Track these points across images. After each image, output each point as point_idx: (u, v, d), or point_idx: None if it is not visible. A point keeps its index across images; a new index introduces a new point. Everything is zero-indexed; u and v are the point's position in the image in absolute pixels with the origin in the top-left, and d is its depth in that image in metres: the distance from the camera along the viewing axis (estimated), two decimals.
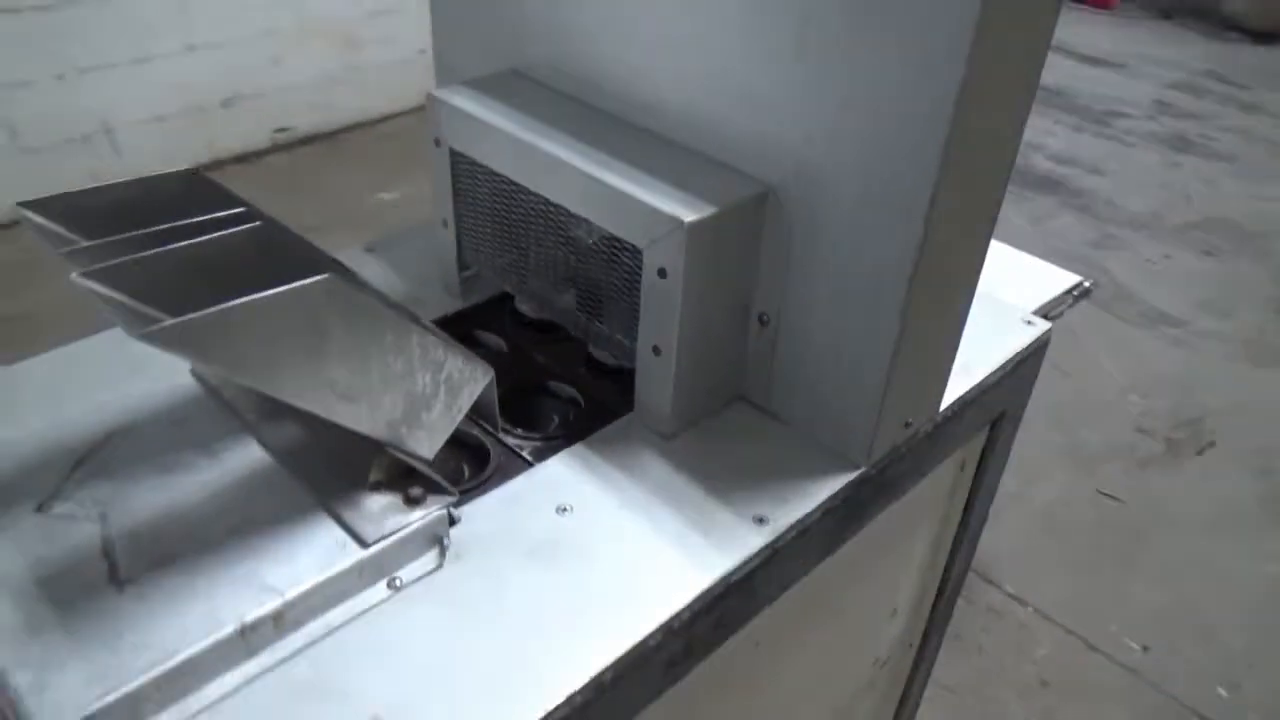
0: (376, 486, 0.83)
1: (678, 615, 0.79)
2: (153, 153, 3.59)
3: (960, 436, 1.11)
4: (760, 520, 0.88)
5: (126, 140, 3.56)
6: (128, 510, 0.81)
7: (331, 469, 0.85)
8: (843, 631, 1.21)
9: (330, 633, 0.76)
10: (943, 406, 1.02)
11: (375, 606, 0.78)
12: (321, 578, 0.76)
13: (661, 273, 0.88)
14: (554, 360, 1.11)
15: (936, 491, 1.22)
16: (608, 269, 0.97)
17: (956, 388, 1.04)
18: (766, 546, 0.86)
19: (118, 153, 3.55)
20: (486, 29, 1.13)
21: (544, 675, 0.73)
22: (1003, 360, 1.11)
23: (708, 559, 0.84)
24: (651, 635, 0.78)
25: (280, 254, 0.80)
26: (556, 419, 1.05)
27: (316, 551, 0.78)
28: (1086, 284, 1.33)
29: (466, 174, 1.07)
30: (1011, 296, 1.22)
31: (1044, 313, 1.23)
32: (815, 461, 0.94)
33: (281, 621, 0.74)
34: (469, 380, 0.85)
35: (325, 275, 0.70)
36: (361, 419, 0.78)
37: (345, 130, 4.18)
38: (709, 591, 0.82)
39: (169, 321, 0.63)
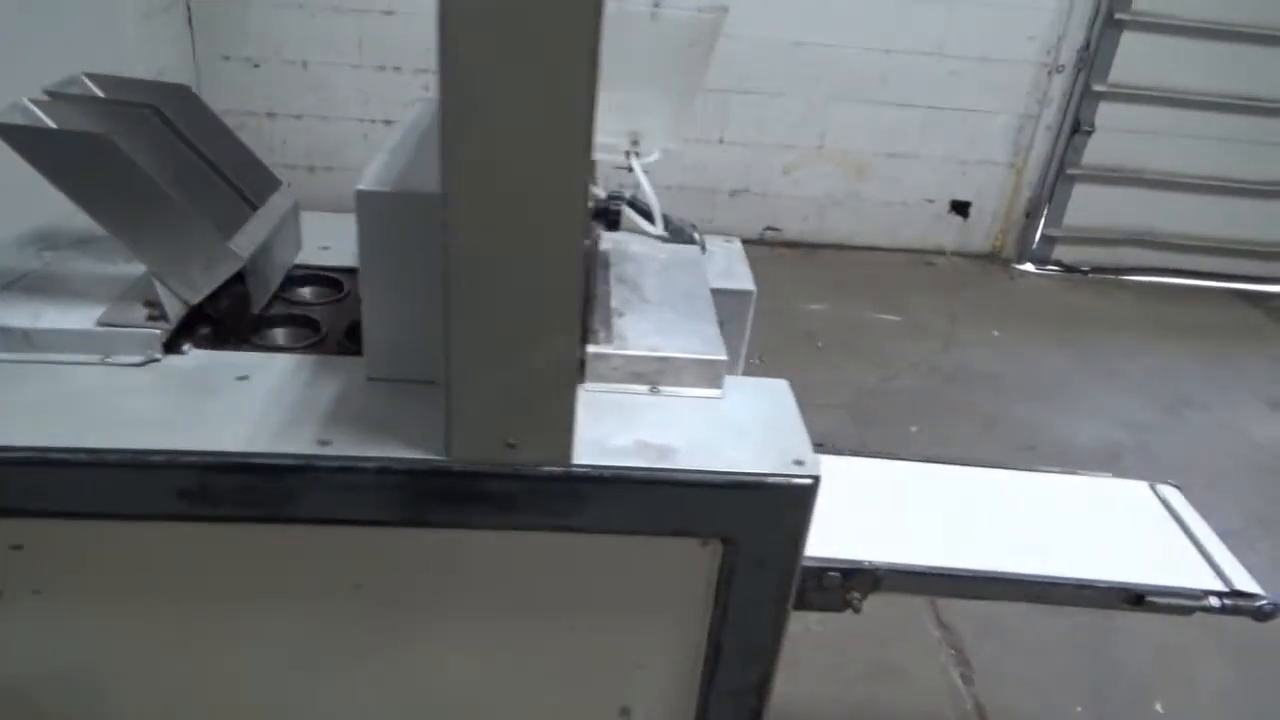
0: (150, 304, 1.19)
1: (217, 455, 1.02)
2: (666, 200, 4.34)
3: (696, 517, 1.07)
4: (324, 442, 1.04)
5: None
6: None
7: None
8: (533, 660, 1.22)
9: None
10: (588, 460, 1.04)
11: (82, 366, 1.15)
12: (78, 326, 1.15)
13: None
14: None
15: (656, 584, 1.16)
16: None
17: (637, 458, 1.05)
18: (318, 456, 1.03)
19: None
20: None
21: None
22: (722, 467, 1.06)
23: (282, 436, 1.04)
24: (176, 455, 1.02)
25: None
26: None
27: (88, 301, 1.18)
28: None
29: None
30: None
31: None
32: (415, 431, 1.06)
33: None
34: (222, 260, 1.17)
35: (102, 133, 1.09)
36: (137, 251, 1.16)
37: (825, 247, 4.53)
38: (241, 456, 1.02)
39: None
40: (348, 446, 1.05)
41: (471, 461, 1.04)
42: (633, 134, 1.16)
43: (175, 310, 1.18)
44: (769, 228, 4.51)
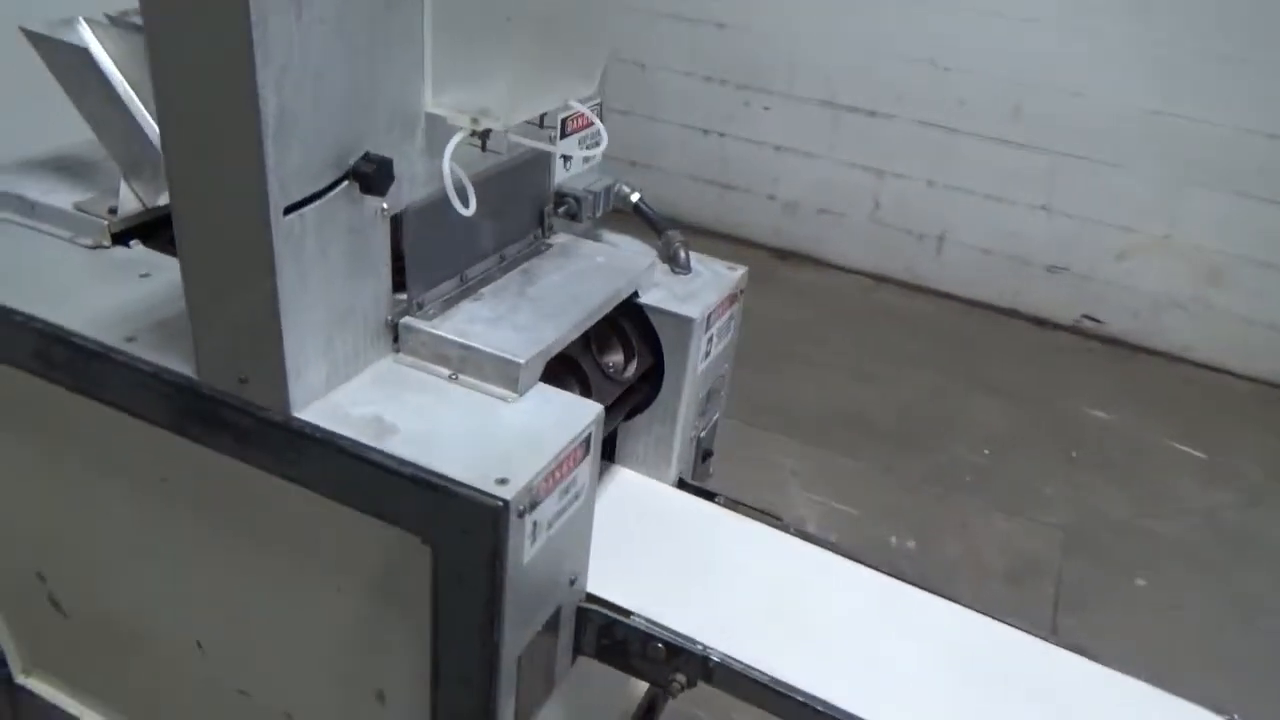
0: None
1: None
2: (967, 266, 3.99)
3: (401, 508, 1.03)
4: (130, 339, 1.15)
5: (951, 252, 4.04)
6: None
7: None
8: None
9: None
10: (311, 417, 1.04)
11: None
12: (60, 206, 1.38)
13: None
14: None
15: (386, 570, 1.11)
16: None
17: (355, 430, 1.03)
18: (115, 349, 1.13)
19: (938, 256, 4.06)
20: None
21: None
22: (421, 461, 0.99)
23: (104, 326, 1.17)
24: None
25: None
26: None
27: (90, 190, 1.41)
28: None
29: None
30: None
31: None
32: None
33: None
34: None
35: (82, 48, 1.29)
36: (111, 153, 1.36)
37: (1151, 353, 3.84)
38: (65, 332, 1.16)
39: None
40: (143, 348, 1.14)
41: (214, 388, 1.08)
42: (479, 110, 1.11)
43: (129, 207, 1.36)
44: (1087, 316, 3.93)
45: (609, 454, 1.50)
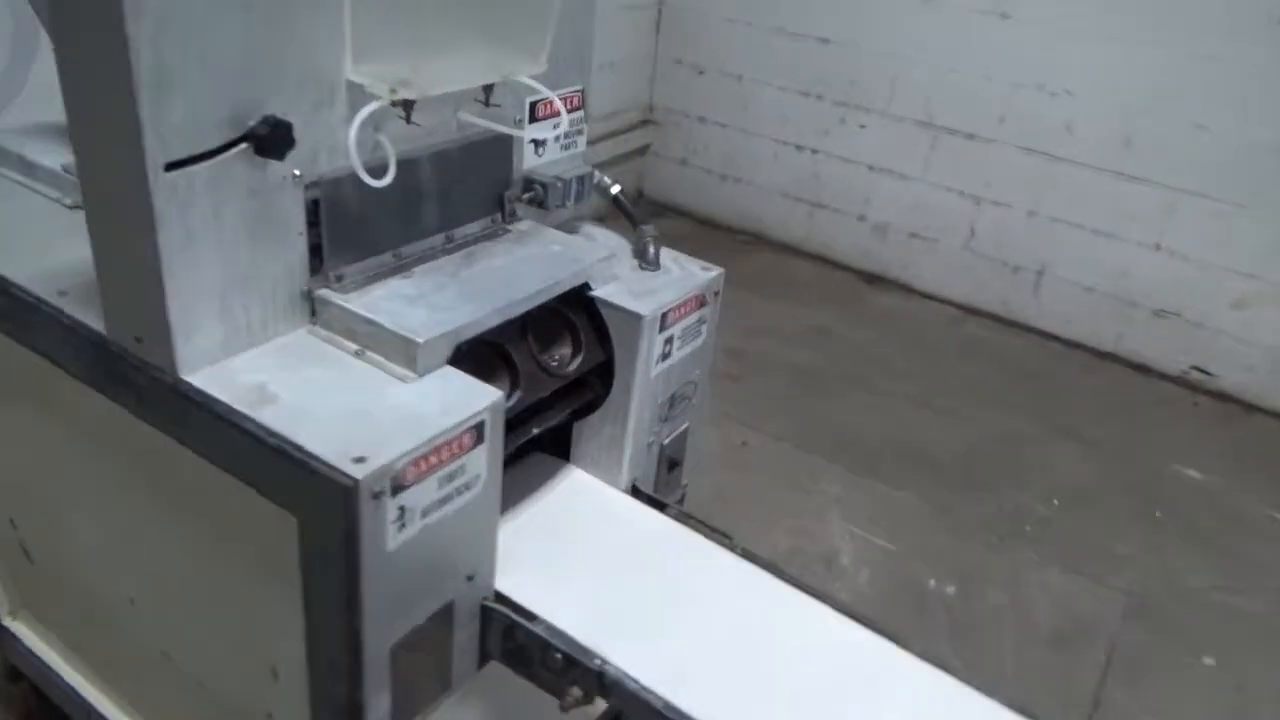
0: None
1: None
2: (1066, 304, 3.74)
3: (271, 480, 1.01)
4: (63, 293, 1.17)
5: (1050, 287, 3.79)
6: None
7: None
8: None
9: None
10: (199, 381, 1.03)
11: None
12: (53, 167, 1.43)
13: None
14: None
15: (269, 543, 1.08)
16: None
17: (234, 396, 1.01)
18: (44, 301, 1.16)
19: (1036, 291, 3.82)
20: None
21: None
22: (284, 432, 0.97)
23: (45, 279, 1.20)
24: None
25: None
26: None
27: None
28: None
29: None
30: None
31: None
32: None
33: None
34: None
35: None
36: None
37: (1267, 413, 3.50)
38: (11, 284, 1.20)
39: None
40: (70, 302, 1.16)
41: (119, 345, 1.09)
42: (399, 80, 1.07)
43: None
44: (1195, 367, 3.61)
45: (564, 453, 1.45)
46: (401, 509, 0.99)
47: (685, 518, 1.38)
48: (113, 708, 1.52)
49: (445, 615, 1.13)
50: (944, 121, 3.79)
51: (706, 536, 1.35)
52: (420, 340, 1.07)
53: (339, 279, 1.15)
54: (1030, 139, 3.63)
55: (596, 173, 1.46)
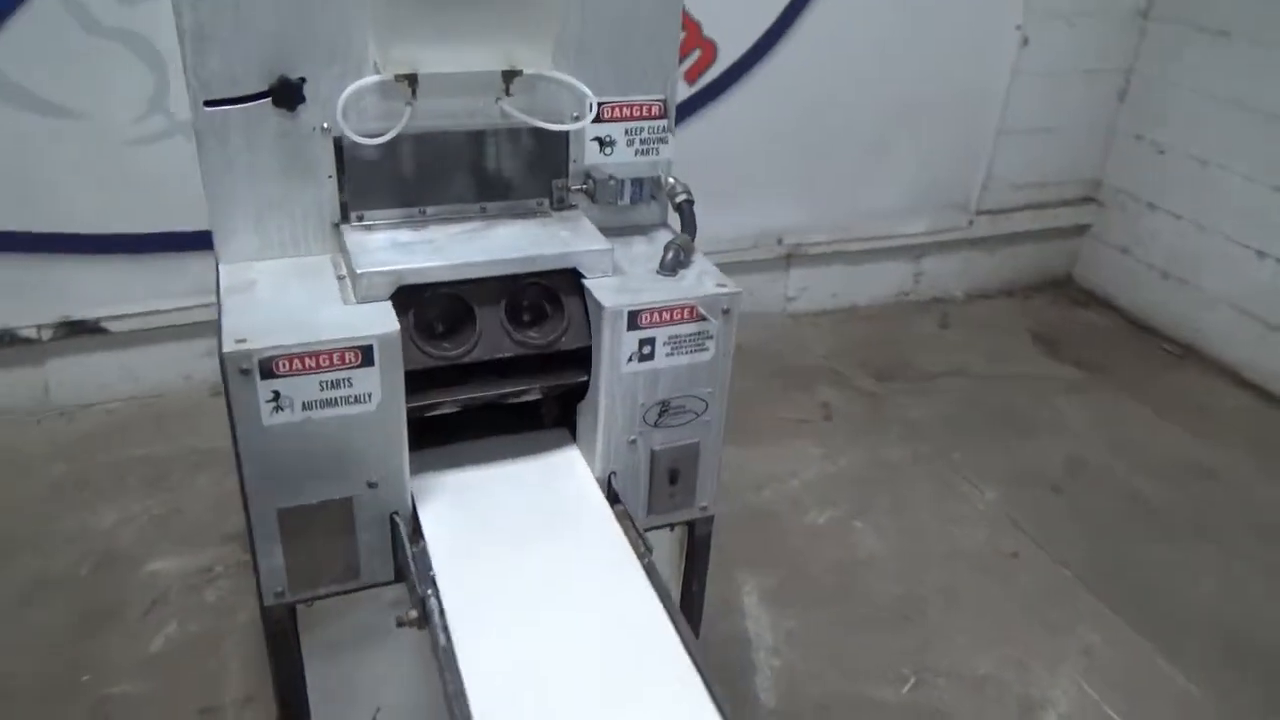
0: None
1: None
2: None
3: None
4: None
5: None
6: None
7: None
8: None
9: None
10: None
11: None
12: None
13: None
14: None
15: None
16: None
17: None
18: None
19: None
20: None
21: None
22: None
23: None
24: None
25: None
26: None
27: None
28: None
29: None
30: None
31: None
32: None
33: None
34: None
35: None
36: None
37: None
38: None
39: None
40: None
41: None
42: (405, 61, 1.24)
43: None
44: None
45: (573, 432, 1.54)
46: (276, 393, 1.21)
47: (626, 518, 1.39)
48: None
49: (344, 508, 1.32)
50: None
51: (631, 541, 1.35)
52: (360, 271, 1.28)
53: (360, 219, 1.41)
54: None
55: (670, 180, 1.52)
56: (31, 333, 2.77)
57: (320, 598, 1.38)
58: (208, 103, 1.28)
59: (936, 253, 3.87)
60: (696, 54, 3.15)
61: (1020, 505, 2.84)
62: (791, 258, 3.61)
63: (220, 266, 1.38)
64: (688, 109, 3.19)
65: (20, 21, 2.43)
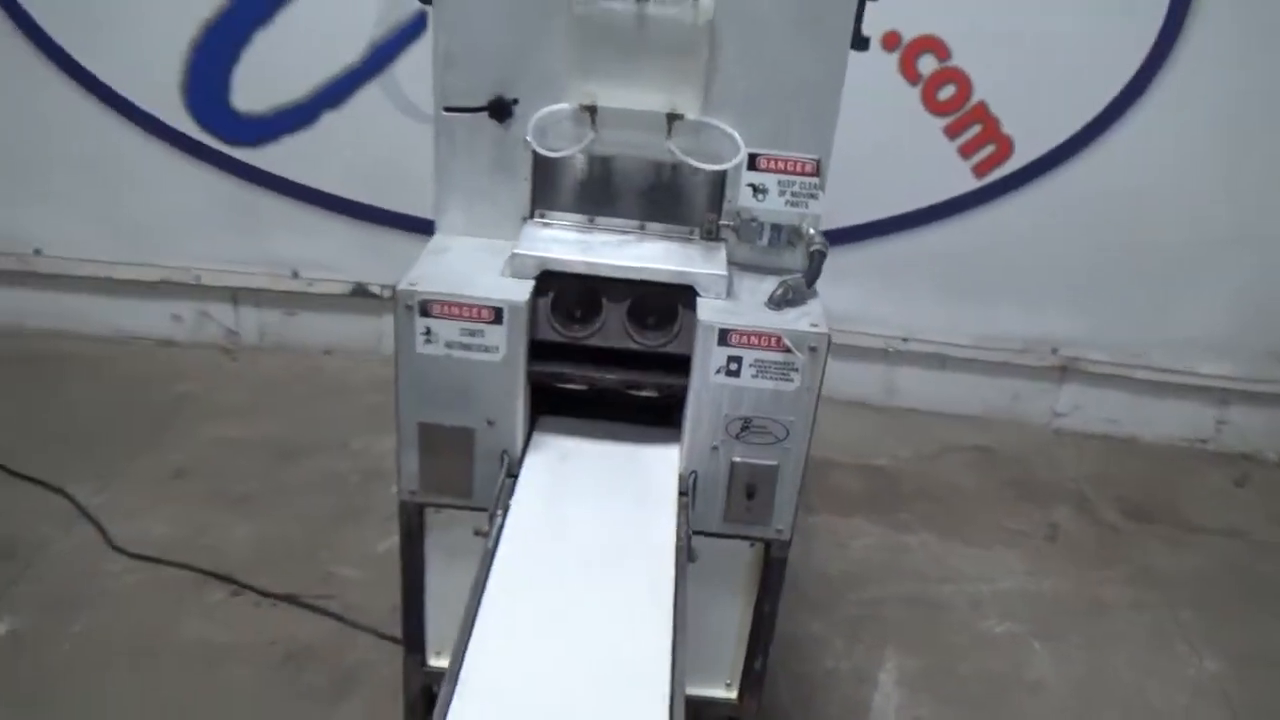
0: None
1: None
2: None
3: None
4: None
5: None
6: None
7: None
8: None
9: None
10: None
11: None
12: None
13: None
14: None
15: None
16: None
17: None
18: None
19: None
20: None
21: None
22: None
23: None
24: None
25: None
26: None
27: None
28: None
29: None
30: None
31: None
32: None
33: None
34: None
35: None
36: None
37: None
38: None
39: None
40: None
41: None
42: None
43: None
44: None
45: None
46: (428, 329, 1.56)
47: (684, 510, 1.57)
48: None
49: (465, 437, 1.64)
50: None
51: (678, 545, 1.51)
52: (515, 253, 1.61)
53: (541, 216, 1.74)
54: None
55: (812, 230, 1.70)
56: (377, 289, 3.47)
57: (442, 506, 1.71)
58: (446, 109, 1.68)
59: (1246, 402, 3.50)
60: (990, 149, 3.18)
61: (1244, 684, 2.54)
62: (1066, 370, 3.45)
63: (435, 234, 1.78)
64: (973, 200, 3.23)
65: (420, 47, 3.13)
